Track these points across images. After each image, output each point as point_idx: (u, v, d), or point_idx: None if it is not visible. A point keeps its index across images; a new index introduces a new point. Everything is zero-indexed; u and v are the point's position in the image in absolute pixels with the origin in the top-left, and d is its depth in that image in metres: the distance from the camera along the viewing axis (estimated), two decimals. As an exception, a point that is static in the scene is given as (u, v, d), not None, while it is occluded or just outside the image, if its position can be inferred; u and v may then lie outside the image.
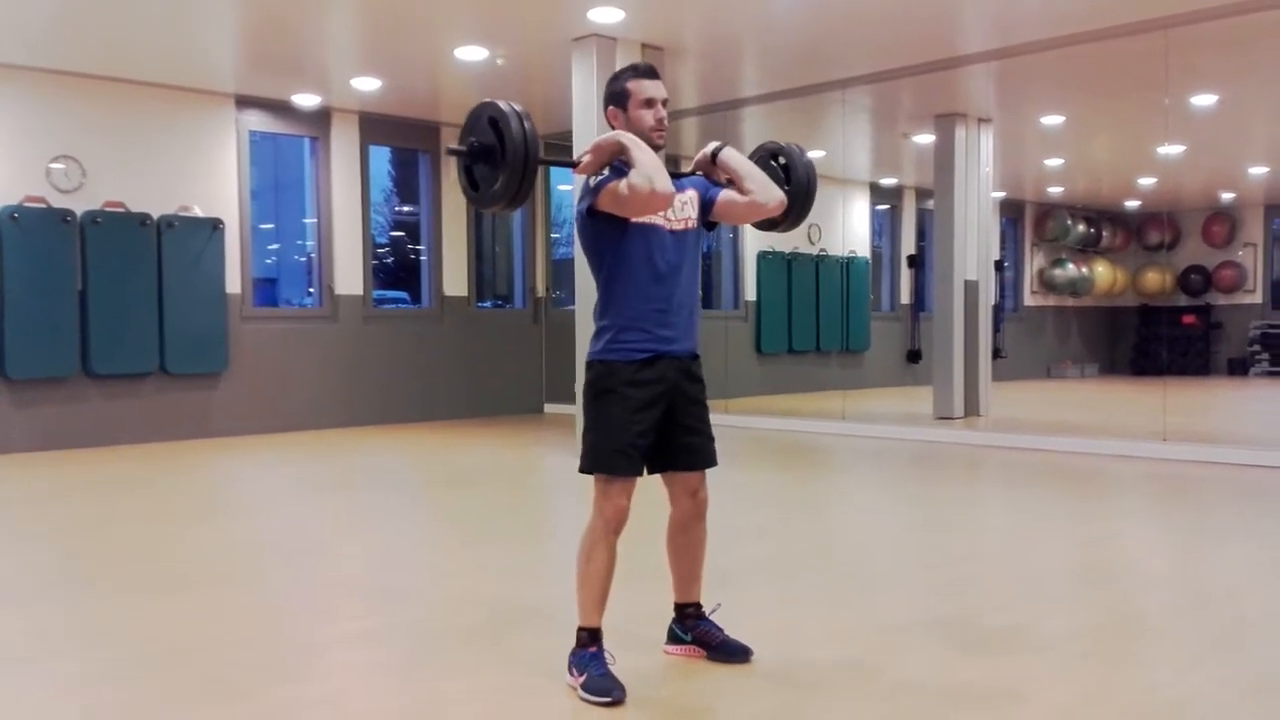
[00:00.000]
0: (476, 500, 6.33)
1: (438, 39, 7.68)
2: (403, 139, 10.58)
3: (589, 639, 2.89)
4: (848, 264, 13.38)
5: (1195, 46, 7.64)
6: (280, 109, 9.47)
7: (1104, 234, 16.54)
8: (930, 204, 10.86)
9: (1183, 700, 2.82)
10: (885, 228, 14.47)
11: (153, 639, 3.45)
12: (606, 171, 2.90)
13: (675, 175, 2.98)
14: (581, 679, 2.83)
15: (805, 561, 4.53)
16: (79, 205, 8.33)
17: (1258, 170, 14.10)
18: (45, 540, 5.19)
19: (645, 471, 3.00)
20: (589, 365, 2.99)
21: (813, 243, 13.10)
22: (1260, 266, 16.29)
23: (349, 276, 9.97)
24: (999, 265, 12.87)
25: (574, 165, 2.94)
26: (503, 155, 2.80)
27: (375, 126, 10.10)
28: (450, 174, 10.54)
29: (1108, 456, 7.55)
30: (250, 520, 5.76)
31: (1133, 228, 17.07)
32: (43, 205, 8.16)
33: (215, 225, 8.99)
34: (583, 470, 2.95)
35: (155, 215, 8.67)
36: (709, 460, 3.05)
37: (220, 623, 3.64)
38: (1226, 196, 15.90)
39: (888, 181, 13.91)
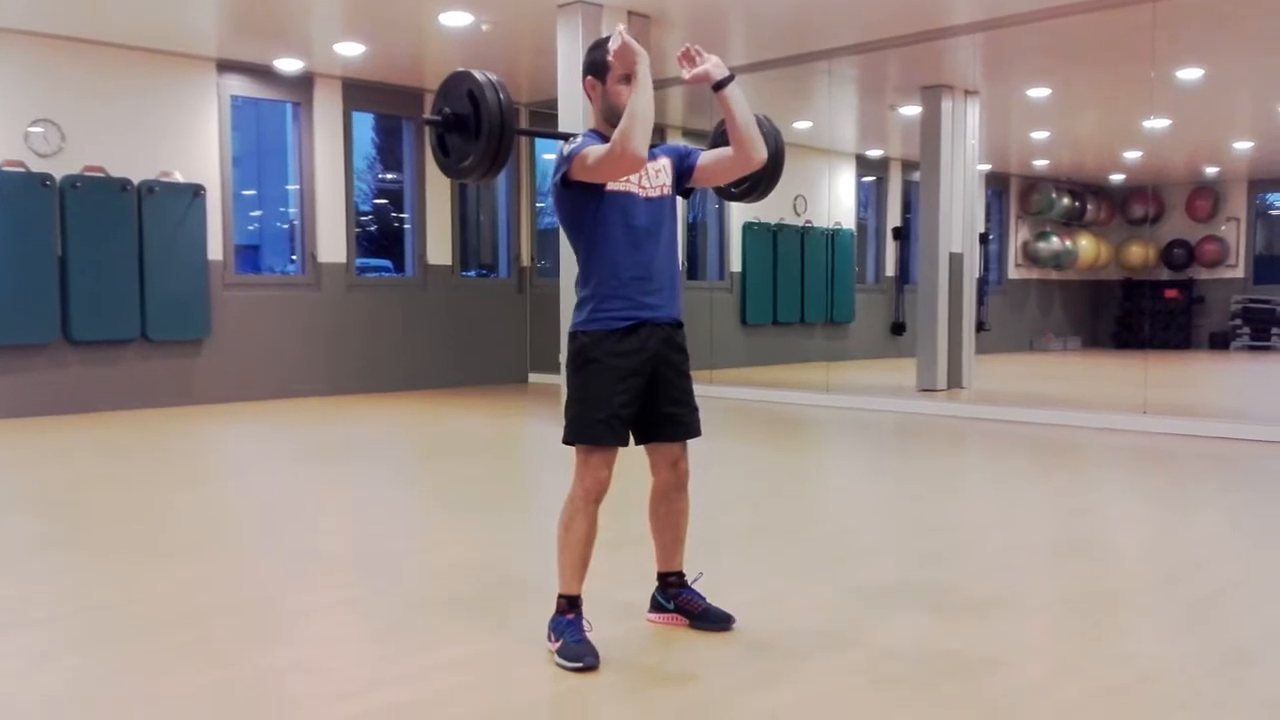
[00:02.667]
0: (460, 470, 6.33)
1: (422, 4, 7.60)
2: (386, 105, 10.50)
3: (567, 606, 2.91)
4: (833, 236, 13.38)
5: (1182, 20, 7.63)
6: (262, 74, 9.38)
7: (1088, 207, 16.58)
8: (916, 176, 10.85)
9: (1158, 670, 2.85)
10: (871, 199, 14.46)
11: (134, 605, 3.45)
12: (580, 139, 2.88)
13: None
14: (558, 645, 2.86)
15: (788, 531, 4.55)
16: (58, 170, 8.24)
17: (1242, 145, 14.13)
18: (24, 507, 5.17)
19: (630, 442, 3.01)
20: (572, 336, 2.98)
21: (798, 214, 13.08)
22: (1243, 241, 16.37)
23: (332, 244, 9.91)
24: (984, 238, 12.87)
25: (552, 135, 2.94)
26: (478, 126, 2.77)
27: (359, 92, 10.01)
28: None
29: (1089, 429, 7.60)
30: (232, 488, 5.75)
31: (1117, 201, 17.11)
32: (21, 169, 8.07)
33: (196, 191, 8.91)
34: (566, 442, 2.95)
35: (136, 180, 8.59)
36: (692, 430, 3.06)
37: (202, 590, 3.64)
38: (1210, 171, 15.95)
39: (874, 153, 13.88)
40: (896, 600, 3.51)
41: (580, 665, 2.78)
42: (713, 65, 2.88)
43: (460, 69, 2.90)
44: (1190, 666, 2.89)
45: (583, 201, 2.90)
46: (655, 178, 2.98)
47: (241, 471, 6.37)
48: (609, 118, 2.90)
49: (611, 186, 2.89)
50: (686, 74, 2.90)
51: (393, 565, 3.99)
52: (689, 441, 3.08)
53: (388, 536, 4.51)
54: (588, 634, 2.87)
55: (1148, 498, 5.42)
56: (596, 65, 2.94)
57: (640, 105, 2.74)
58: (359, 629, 3.22)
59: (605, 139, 2.87)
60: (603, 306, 2.92)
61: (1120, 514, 5.08)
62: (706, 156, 3.08)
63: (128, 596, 3.56)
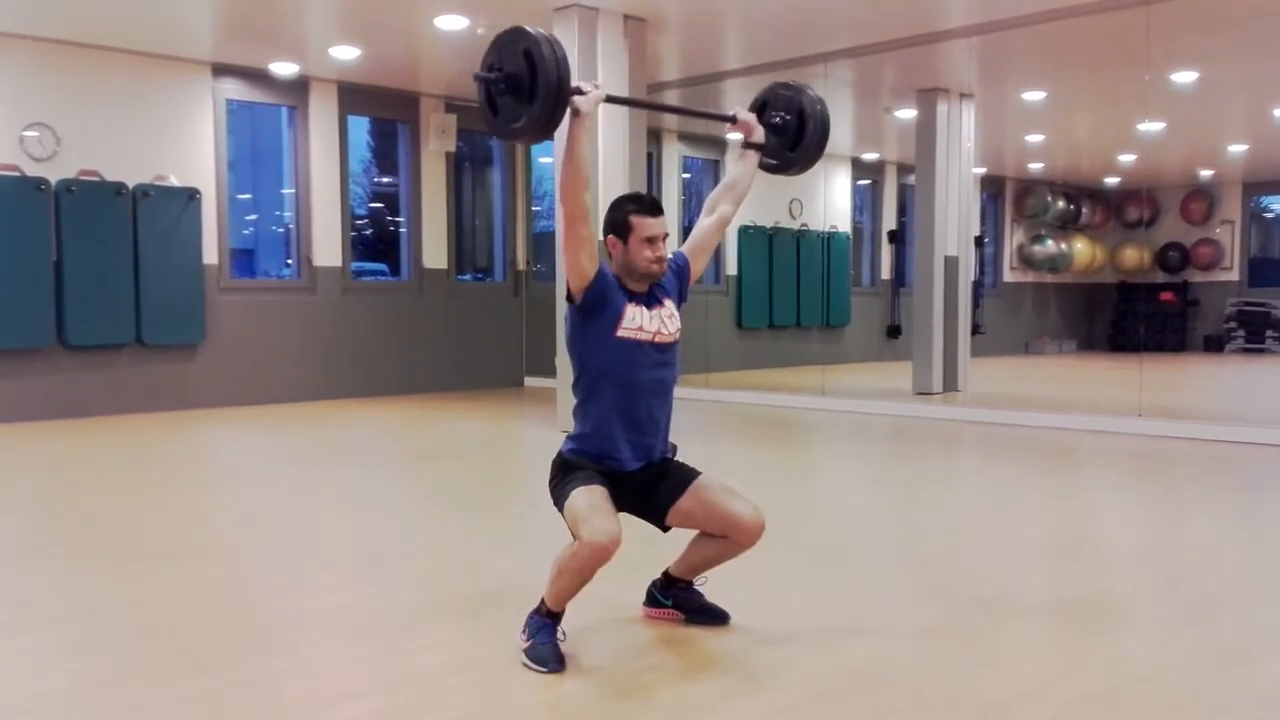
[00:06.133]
0: (456, 473, 6.32)
1: (418, 8, 7.60)
2: (382, 109, 10.49)
3: (547, 613, 2.90)
4: (829, 239, 13.38)
5: (1176, 23, 7.64)
6: (258, 77, 9.37)
7: (1083, 211, 16.59)
8: (911, 179, 10.86)
9: (1155, 672, 2.85)
10: (866, 203, 14.47)
11: (129, 610, 3.44)
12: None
13: (654, 288, 3.02)
14: (528, 644, 2.86)
15: (783, 534, 4.54)
16: (53, 174, 8.22)
17: (1237, 148, 14.15)
18: (19, 511, 5.16)
19: (662, 528, 3.07)
20: (558, 455, 3.02)
21: (794, 217, 13.09)
22: (1237, 244, 16.39)
23: (327, 248, 9.90)
24: (979, 241, 12.88)
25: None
26: (533, 86, 2.72)
27: (354, 96, 10.00)
28: (430, 144, 10.46)
29: (1084, 432, 7.61)
30: (228, 492, 5.74)
31: (1112, 205, 17.13)
32: (16, 173, 8.06)
33: (192, 195, 8.89)
34: (569, 525, 2.88)
35: (131, 184, 8.57)
36: (689, 471, 3.08)
37: (199, 594, 3.63)
38: (1205, 174, 15.97)
39: (869, 156, 13.89)
40: (892, 603, 3.51)
41: (544, 669, 2.78)
42: (759, 132, 3.28)
43: (516, 26, 2.83)
44: (1188, 667, 2.89)
45: (593, 340, 2.94)
46: (671, 324, 3.03)
47: (236, 476, 6.35)
48: (627, 272, 2.97)
49: (623, 334, 2.92)
50: (740, 116, 3.27)
51: (387, 569, 3.98)
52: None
53: (382, 540, 4.51)
54: (559, 642, 2.86)
55: (1143, 500, 5.43)
56: (619, 225, 2.97)
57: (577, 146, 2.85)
58: (353, 633, 3.21)
59: (619, 281, 2.96)
60: (595, 446, 2.95)
61: (1116, 517, 5.08)
62: (694, 239, 3.23)
63: (122, 601, 3.55)
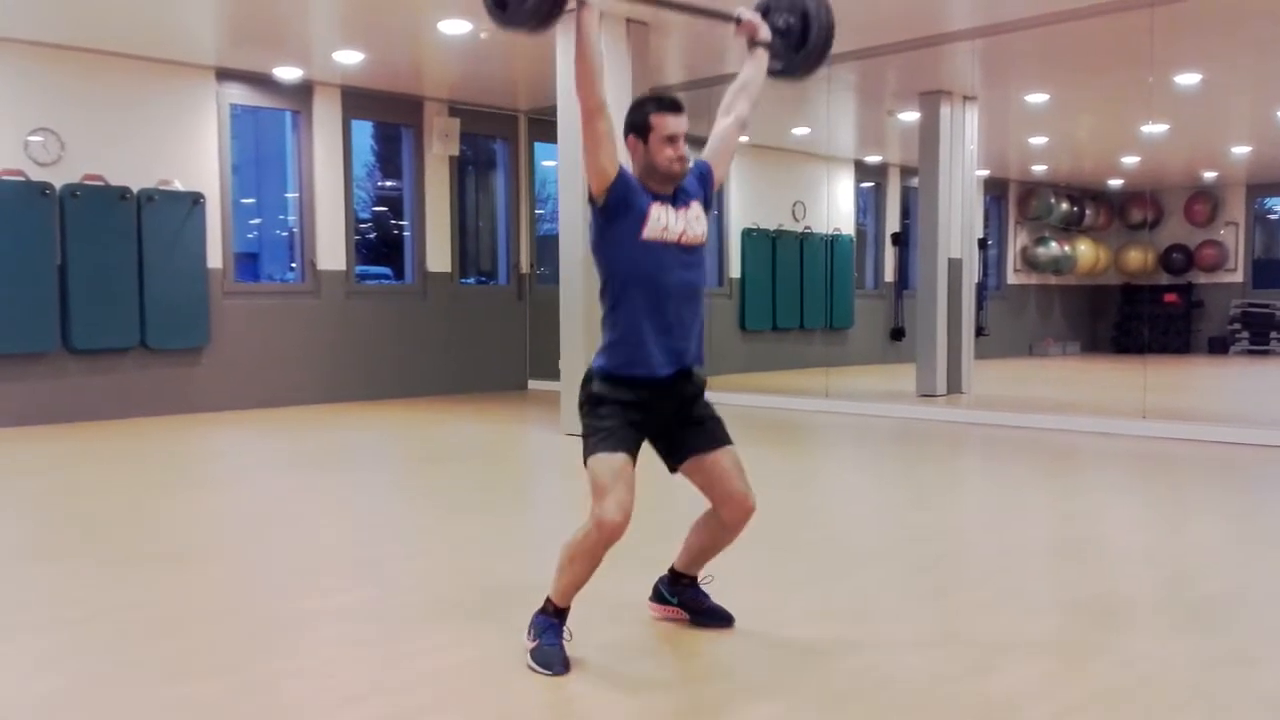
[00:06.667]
0: (460, 475, 6.32)
1: (421, 12, 7.62)
2: (385, 113, 10.51)
3: (554, 611, 2.90)
4: (832, 241, 13.38)
5: (1180, 25, 7.64)
6: (261, 82, 9.39)
7: (1087, 212, 16.58)
8: (915, 182, 10.86)
9: (1159, 672, 2.85)
10: (870, 205, 14.46)
11: (132, 612, 3.44)
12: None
13: (679, 191, 2.98)
14: (534, 645, 2.86)
15: (788, 537, 4.55)
16: (58, 178, 8.24)
17: (1240, 149, 14.14)
18: (24, 514, 5.17)
19: (670, 468, 3.05)
20: (589, 375, 2.97)
21: (797, 220, 13.10)
22: (1241, 245, 16.37)
23: (331, 252, 9.92)
24: (983, 243, 12.89)
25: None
26: None
27: (358, 100, 10.02)
28: (433, 148, 10.48)
29: (1088, 434, 7.60)
30: (230, 494, 5.74)
31: (1115, 206, 17.12)
32: (21, 178, 8.08)
33: (196, 199, 8.91)
34: (591, 483, 2.86)
35: (135, 189, 8.59)
36: (723, 435, 3.05)
37: (200, 595, 3.64)
38: (1209, 175, 15.95)
39: (872, 159, 13.90)
40: (895, 604, 3.51)
41: (549, 672, 2.78)
42: (765, 30, 3.25)
43: None
44: (1191, 669, 2.88)
45: (617, 241, 2.90)
46: (696, 225, 2.98)
47: (239, 478, 6.36)
48: (649, 174, 2.94)
49: (648, 235, 2.88)
50: (743, 16, 3.22)
51: (391, 571, 3.99)
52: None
53: (385, 542, 4.51)
54: (565, 642, 2.86)
55: (1147, 502, 5.42)
56: (639, 125, 2.94)
57: (588, 39, 2.80)
58: (356, 635, 3.21)
59: (641, 183, 2.92)
60: (625, 354, 2.90)
61: (1120, 519, 5.07)
62: (710, 153, 3.15)
63: (123, 602, 3.55)
